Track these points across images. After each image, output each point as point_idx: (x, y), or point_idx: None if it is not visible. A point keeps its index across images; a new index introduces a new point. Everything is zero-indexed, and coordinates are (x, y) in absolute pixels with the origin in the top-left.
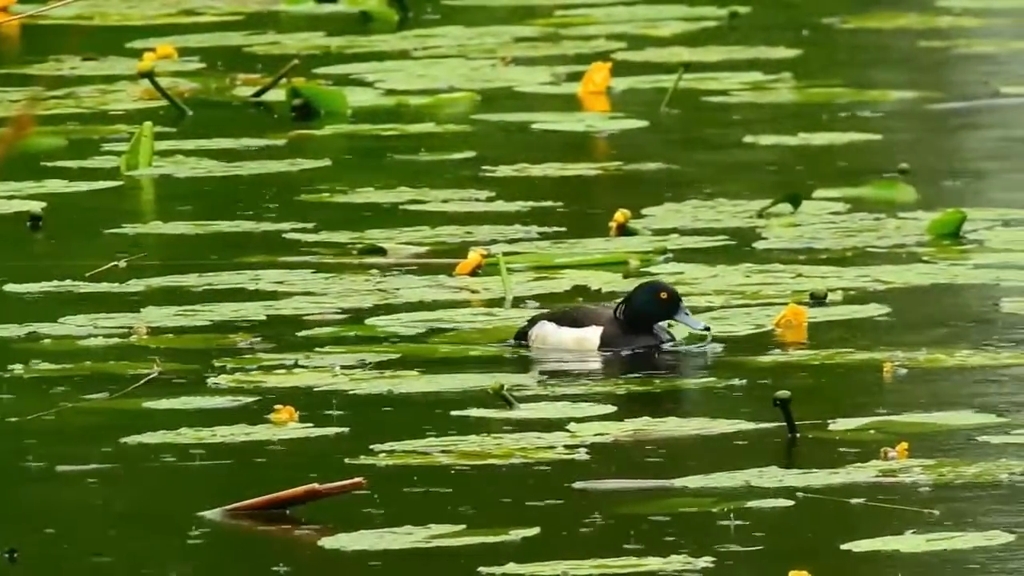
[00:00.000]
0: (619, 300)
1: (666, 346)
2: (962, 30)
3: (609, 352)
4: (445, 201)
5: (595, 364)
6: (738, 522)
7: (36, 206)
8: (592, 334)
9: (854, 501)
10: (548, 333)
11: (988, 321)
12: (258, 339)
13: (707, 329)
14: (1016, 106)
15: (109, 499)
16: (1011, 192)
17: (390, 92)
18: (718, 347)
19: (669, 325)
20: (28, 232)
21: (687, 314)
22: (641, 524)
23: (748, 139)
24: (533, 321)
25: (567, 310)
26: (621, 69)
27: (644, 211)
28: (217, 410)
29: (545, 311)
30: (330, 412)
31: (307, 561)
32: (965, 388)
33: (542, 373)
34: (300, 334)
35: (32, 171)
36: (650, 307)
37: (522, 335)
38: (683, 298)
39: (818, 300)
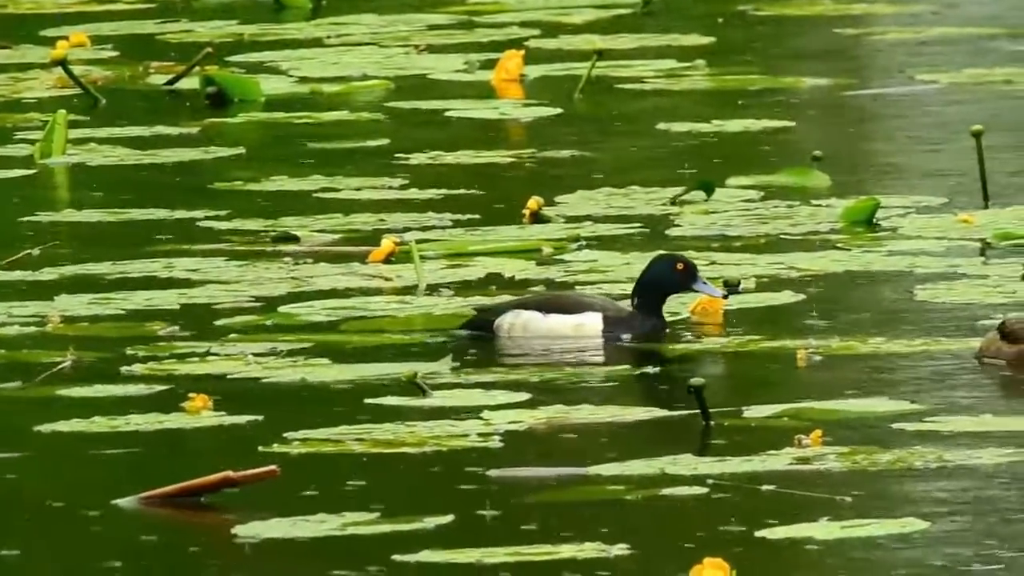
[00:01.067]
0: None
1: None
2: (877, 17)
3: (612, 336)
4: (358, 189)
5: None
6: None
7: None
8: (592, 319)
9: (768, 488)
10: (531, 321)
11: (902, 308)
12: (177, 328)
13: (726, 296)
14: (930, 93)
15: (22, 488)
16: (925, 179)
17: (303, 80)
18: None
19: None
20: None
21: (705, 283)
22: (555, 512)
23: (661, 126)
24: (493, 311)
25: (542, 298)
26: (534, 57)
27: (557, 199)
28: (131, 398)
29: (506, 300)
30: (243, 402)
31: (221, 549)
32: (879, 375)
33: (455, 360)
34: (215, 322)
35: None
36: (667, 278)
37: (481, 325)
38: (698, 268)
39: (732, 288)
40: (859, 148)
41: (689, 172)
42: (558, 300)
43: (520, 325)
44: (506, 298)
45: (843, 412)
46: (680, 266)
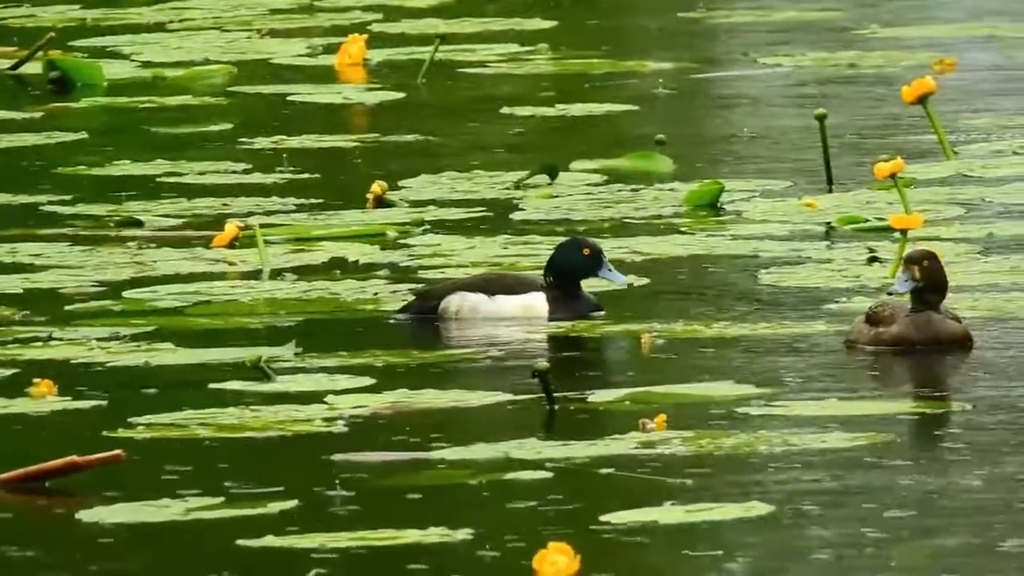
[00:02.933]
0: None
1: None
2: (721, 0)
3: (559, 318)
4: (202, 173)
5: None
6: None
7: None
8: (538, 300)
9: (613, 472)
10: (478, 303)
11: (746, 292)
12: (27, 312)
13: (630, 285)
14: (774, 77)
15: None
16: (769, 163)
17: (146, 64)
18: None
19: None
20: None
21: (610, 270)
22: (400, 496)
23: (505, 110)
24: (433, 294)
25: (482, 279)
26: (377, 41)
27: (401, 183)
28: None
29: (445, 282)
30: (87, 387)
31: (65, 534)
32: (724, 359)
33: (299, 345)
34: (60, 307)
35: None
36: (574, 263)
37: (423, 309)
38: (604, 253)
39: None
40: (703, 132)
41: (533, 156)
42: (501, 280)
43: (468, 308)
44: (444, 280)
45: (687, 396)
46: (587, 251)
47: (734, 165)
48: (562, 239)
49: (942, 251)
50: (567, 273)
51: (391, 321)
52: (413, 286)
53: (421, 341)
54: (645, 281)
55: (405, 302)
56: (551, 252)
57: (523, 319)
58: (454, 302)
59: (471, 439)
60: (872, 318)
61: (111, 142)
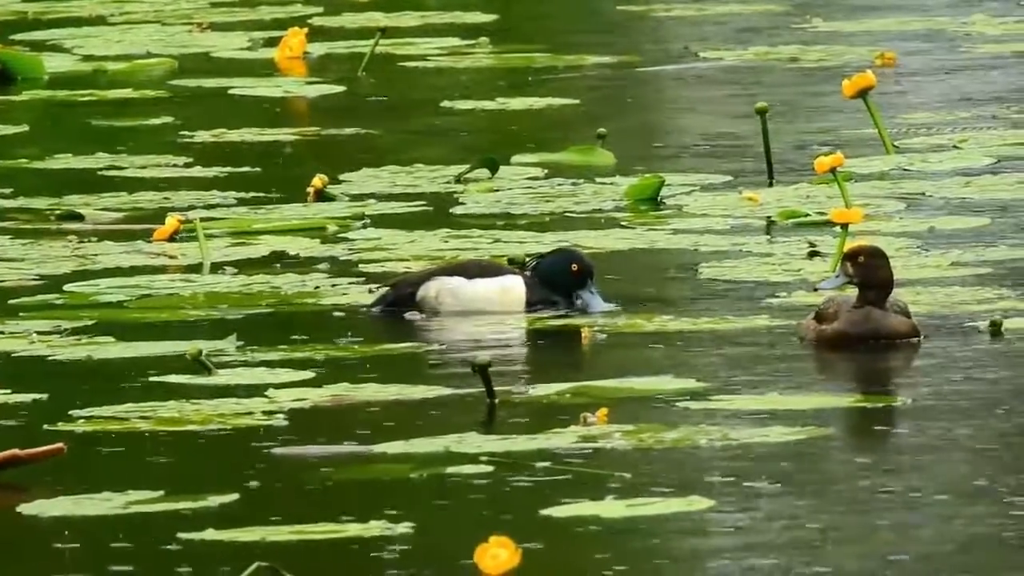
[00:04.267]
0: (532, 260)
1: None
2: None
3: (535, 302)
4: (143, 167)
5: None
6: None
7: None
8: (516, 281)
9: (554, 466)
10: (458, 287)
11: (687, 286)
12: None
13: (614, 309)
14: (715, 70)
15: None
16: (709, 157)
17: (88, 58)
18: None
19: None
20: None
21: (592, 293)
22: (340, 490)
23: (445, 104)
24: (409, 283)
25: (457, 265)
26: (318, 34)
27: (342, 177)
28: None
29: (417, 272)
30: (29, 380)
31: (5, 527)
32: (664, 353)
33: (240, 339)
34: (2, 301)
35: None
36: (560, 274)
37: (399, 300)
38: (592, 274)
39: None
40: (644, 126)
41: (473, 150)
42: (475, 264)
43: (448, 291)
44: (415, 270)
45: (629, 390)
46: (575, 267)
47: (675, 159)
48: (558, 246)
49: (883, 245)
50: (549, 281)
51: (364, 314)
52: (357, 279)
53: (363, 335)
54: None
55: (377, 295)
56: (544, 251)
57: (502, 303)
58: (433, 288)
59: (412, 433)
60: (819, 315)
61: (52, 135)
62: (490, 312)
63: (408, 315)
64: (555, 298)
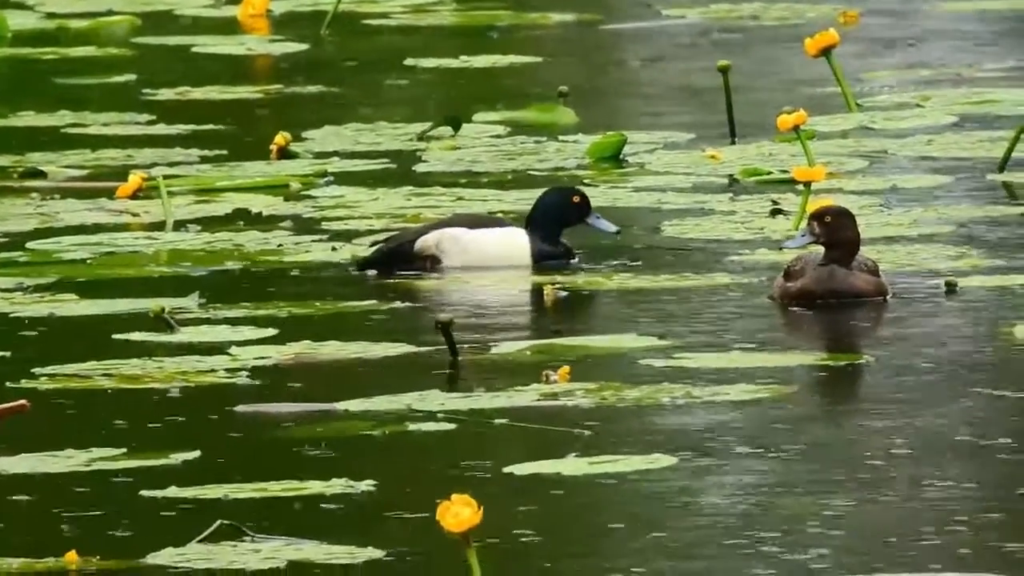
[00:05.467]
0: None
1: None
2: None
3: (543, 259)
4: (106, 124)
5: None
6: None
7: None
8: (519, 233)
9: (516, 424)
10: (459, 235)
11: (649, 244)
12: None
13: (618, 233)
14: (677, 27)
15: None
16: (671, 115)
17: (50, 16)
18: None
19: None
20: None
21: (598, 217)
22: (303, 447)
23: (409, 62)
24: (404, 238)
25: (457, 217)
26: None
27: (305, 134)
28: None
29: (412, 227)
30: None
31: None
32: (626, 311)
33: (202, 296)
34: None
35: None
36: (561, 209)
37: (395, 254)
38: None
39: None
40: (606, 84)
41: (436, 108)
42: (476, 217)
43: (451, 239)
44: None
45: (591, 348)
46: (576, 199)
47: (637, 117)
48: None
49: (845, 203)
50: (553, 219)
51: (354, 274)
52: (320, 237)
53: (326, 292)
54: None
55: (371, 253)
56: (534, 201)
57: (507, 254)
58: (432, 237)
59: (374, 391)
60: (787, 272)
61: (14, 93)
62: (494, 267)
63: (370, 273)
64: (559, 250)
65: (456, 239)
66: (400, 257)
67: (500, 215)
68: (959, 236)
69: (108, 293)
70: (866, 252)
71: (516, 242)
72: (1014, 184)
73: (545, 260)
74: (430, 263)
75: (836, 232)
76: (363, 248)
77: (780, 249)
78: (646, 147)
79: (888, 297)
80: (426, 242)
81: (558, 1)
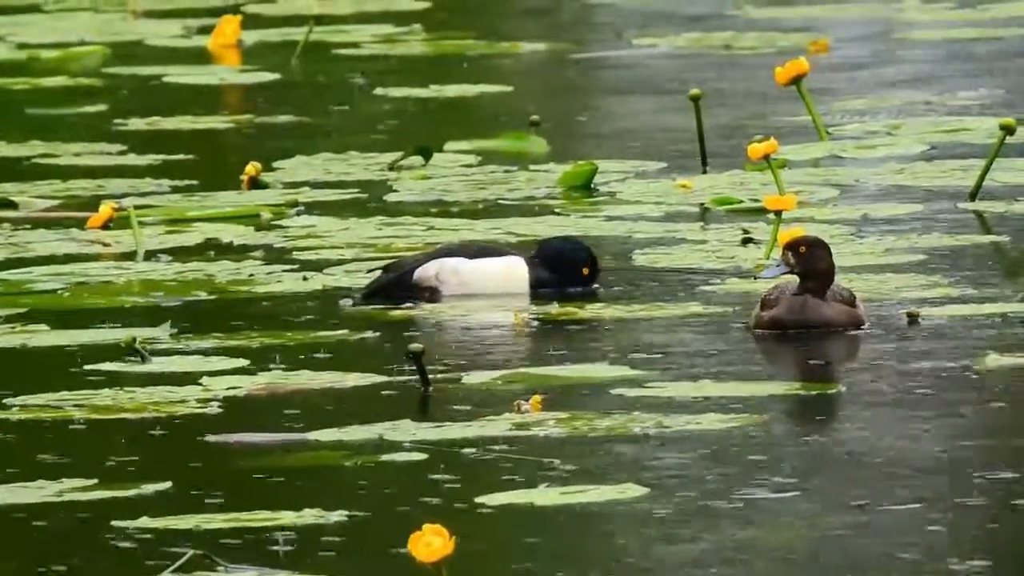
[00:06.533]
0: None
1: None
2: None
3: (541, 286)
4: (77, 155)
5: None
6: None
7: None
8: (519, 262)
9: (488, 454)
10: (458, 265)
11: (621, 273)
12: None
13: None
14: (649, 57)
15: None
16: (643, 144)
17: (22, 46)
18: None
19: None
20: None
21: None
22: (275, 478)
23: (379, 91)
24: (403, 266)
25: (456, 246)
26: (251, 22)
27: (276, 164)
28: None
29: (411, 255)
30: None
31: None
32: (598, 341)
33: (172, 326)
34: None
35: None
36: (571, 273)
37: (393, 284)
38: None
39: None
40: (577, 113)
41: (407, 137)
42: (475, 245)
43: (449, 270)
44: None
45: (563, 378)
46: (586, 271)
47: (608, 146)
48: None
49: (816, 232)
50: (557, 269)
51: (352, 305)
52: (291, 267)
53: (297, 322)
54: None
55: (369, 283)
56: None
57: (505, 283)
58: (432, 267)
59: (346, 421)
60: (764, 301)
61: None
62: (493, 294)
63: (342, 302)
64: (559, 278)
65: (455, 270)
66: (400, 287)
67: (496, 242)
68: (930, 265)
69: (79, 323)
70: (837, 281)
71: (514, 273)
72: (985, 213)
73: (543, 288)
74: (429, 294)
75: (810, 263)
76: (335, 277)
77: (754, 279)
78: (617, 176)
79: (865, 327)
80: (425, 272)
81: (529, 30)
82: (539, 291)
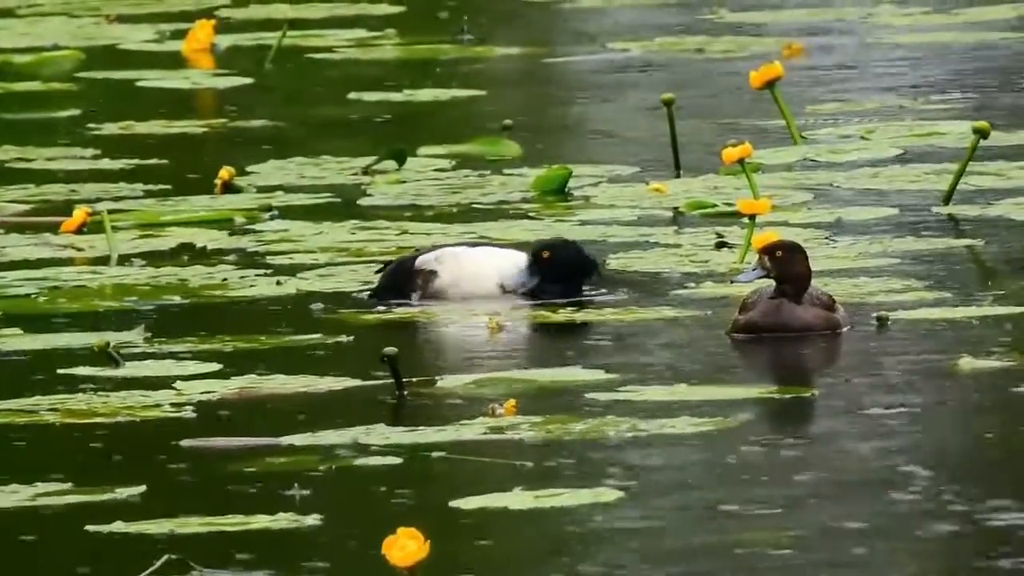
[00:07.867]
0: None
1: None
2: None
3: (542, 291)
4: (50, 159)
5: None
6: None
7: None
8: (521, 257)
9: (462, 458)
10: (459, 251)
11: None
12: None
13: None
14: (622, 61)
15: None
16: (616, 148)
17: None
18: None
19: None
20: None
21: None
22: (248, 482)
23: (352, 96)
24: (403, 262)
25: (461, 243)
26: (225, 26)
27: (249, 168)
28: None
29: (417, 251)
30: None
31: None
32: (572, 344)
33: (148, 330)
34: None
35: None
36: (571, 276)
37: (395, 275)
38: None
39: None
40: (550, 117)
41: (380, 142)
42: (485, 243)
43: (450, 254)
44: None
45: (537, 381)
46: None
47: (582, 150)
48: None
49: (790, 236)
50: (560, 274)
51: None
52: (264, 271)
53: (270, 327)
54: None
55: (378, 278)
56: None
57: (500, 273)
58: (433, 254)
59: (320, 425)
60: (742, 305)
61: None
62: (487, 285)
63: (313, 306)
64: (560, 283)
65: (455, 255)
66: (402, 274)
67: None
68: (904, 269)
69: (53, 328)
70: (813, 284)
71: (514, 262)
72: (959, 217)
73: (544, 293)
74: (424, 279)
75: (786, 267)
76: (308, 281)
77: (730, 283)
78: (591, 180)
79: (843, 331)
80: (427, 257)
81: (502, 34)
82: (540, 295)
